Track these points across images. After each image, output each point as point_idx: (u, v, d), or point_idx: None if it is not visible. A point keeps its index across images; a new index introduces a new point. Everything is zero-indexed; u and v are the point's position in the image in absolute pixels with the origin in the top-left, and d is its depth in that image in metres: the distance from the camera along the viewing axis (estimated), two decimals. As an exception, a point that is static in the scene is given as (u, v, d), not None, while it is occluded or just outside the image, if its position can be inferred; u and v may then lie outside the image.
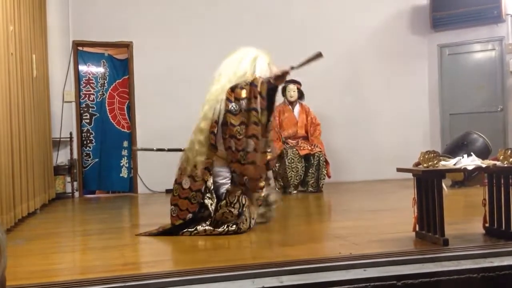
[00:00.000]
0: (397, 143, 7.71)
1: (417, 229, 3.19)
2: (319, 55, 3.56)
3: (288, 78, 6.81)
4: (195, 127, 3.77)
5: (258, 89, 3.65)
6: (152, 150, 4.32)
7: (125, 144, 7.30)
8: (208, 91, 3.83)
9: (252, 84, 3.68)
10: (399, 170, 3.29)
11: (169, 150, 4.44)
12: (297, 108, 6.90)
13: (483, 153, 5.69)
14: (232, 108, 3.66)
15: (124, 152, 7.30)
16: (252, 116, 3.63)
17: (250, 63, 3.85)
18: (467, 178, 5.92)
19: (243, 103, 3.65)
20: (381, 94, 7.88)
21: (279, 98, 6.85)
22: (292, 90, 6.82)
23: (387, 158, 7.47)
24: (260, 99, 3.63)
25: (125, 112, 7.31)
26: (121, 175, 7.28)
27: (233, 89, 3.71)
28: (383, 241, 3.21)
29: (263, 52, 3.95)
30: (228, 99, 3.68)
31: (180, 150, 4.08)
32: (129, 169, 7.29)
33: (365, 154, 7.75)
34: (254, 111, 3.63)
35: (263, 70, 3.85)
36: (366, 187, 6.90)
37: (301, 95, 6.89)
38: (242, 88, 3.69)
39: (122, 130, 7.31)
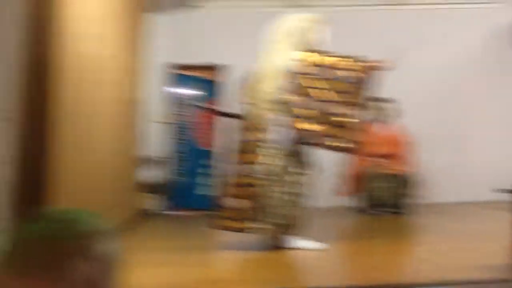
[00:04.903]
0: (495, 163, 7.31)
1: (514, 257, 2.99)
2: None
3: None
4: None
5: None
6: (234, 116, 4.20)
7: (209, 163, 7.44)
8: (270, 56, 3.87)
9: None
10: (496, 191, 3.12)
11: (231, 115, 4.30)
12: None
13: None
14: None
15: (207, 171, 7.46)
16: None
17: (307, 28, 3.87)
18: None
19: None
20: (479, 112, 7.59)
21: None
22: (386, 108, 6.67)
23: (483, 178, 7.07)
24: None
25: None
26: (203, 193, 7.43)
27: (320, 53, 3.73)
28: (476, 267, 3.03)
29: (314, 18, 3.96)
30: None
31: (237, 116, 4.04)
32: (210, 187, 7.43)
33: (459, 174, 7.39)
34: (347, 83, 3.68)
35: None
36: (459, 209, 6.56)
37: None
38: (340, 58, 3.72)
39: (207, 149, 7.48)
